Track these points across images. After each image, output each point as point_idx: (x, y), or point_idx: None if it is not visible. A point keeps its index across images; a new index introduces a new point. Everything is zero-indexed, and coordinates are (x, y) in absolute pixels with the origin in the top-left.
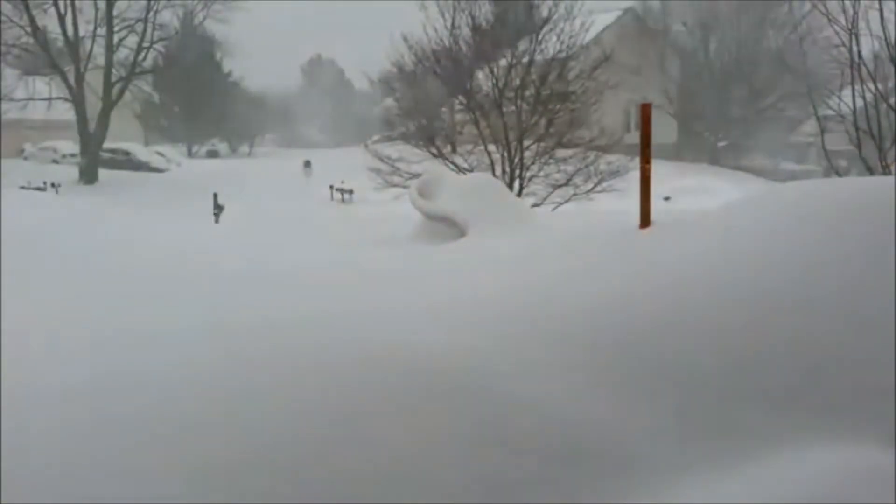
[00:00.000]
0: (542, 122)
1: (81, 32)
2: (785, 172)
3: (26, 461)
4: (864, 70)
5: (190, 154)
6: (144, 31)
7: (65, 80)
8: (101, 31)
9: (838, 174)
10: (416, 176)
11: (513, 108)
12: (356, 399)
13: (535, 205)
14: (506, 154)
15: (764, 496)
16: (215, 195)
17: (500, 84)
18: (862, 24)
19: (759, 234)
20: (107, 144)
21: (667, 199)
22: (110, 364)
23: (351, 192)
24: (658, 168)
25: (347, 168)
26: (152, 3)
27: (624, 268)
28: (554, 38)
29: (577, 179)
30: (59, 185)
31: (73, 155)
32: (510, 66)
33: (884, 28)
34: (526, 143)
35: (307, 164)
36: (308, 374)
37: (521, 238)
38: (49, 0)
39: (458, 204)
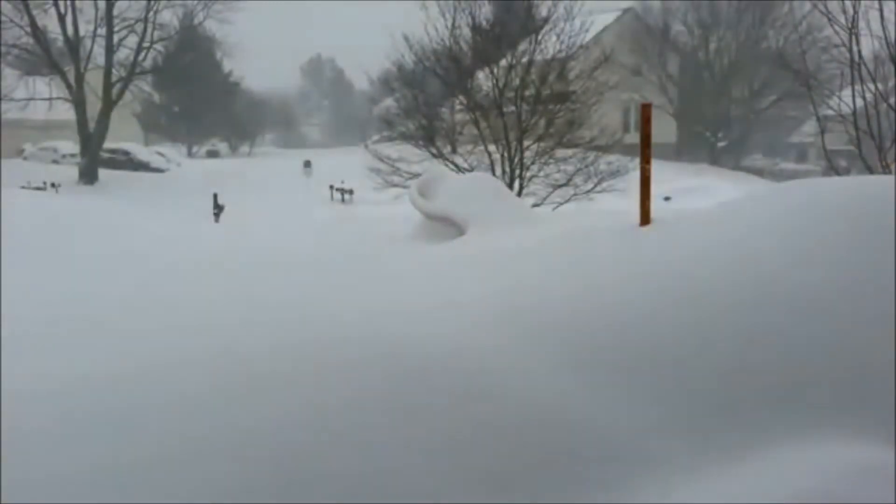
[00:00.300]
0: (542, 122)
1: (81, 32)
2: (785, 172)
3: (26, 459)
4: (864, 70)
5: (190, 154)
6: (144, 31)
7: (65, 80)
8: (101, 31)
9: (838, 174)
10: (416, 176)
11: (513, 108)
12: (351, 394)
13: (536, 205)
14: (506, 154)
15: (764, 495)
16: (215, 195)
17: (500, 84)
18: (862, 24)
19: (759, 231)
20: (107, 144)
21: (667, 199)
22: (109, 363)
23: (351, 192)
24: (658, 168)
25: (347, 168)
26: (152, 3)
27: (624, 263)
28: (554, 39)
29: (577, 179)
30: (59, 185)
31: (73, 155)
32: (510, 66)
33: (884, 28)
34: (526, 143)
35: (307, 164)
36: (306, 371)
37: (520, 235)
38: (49, 0)
39: (458, 203)
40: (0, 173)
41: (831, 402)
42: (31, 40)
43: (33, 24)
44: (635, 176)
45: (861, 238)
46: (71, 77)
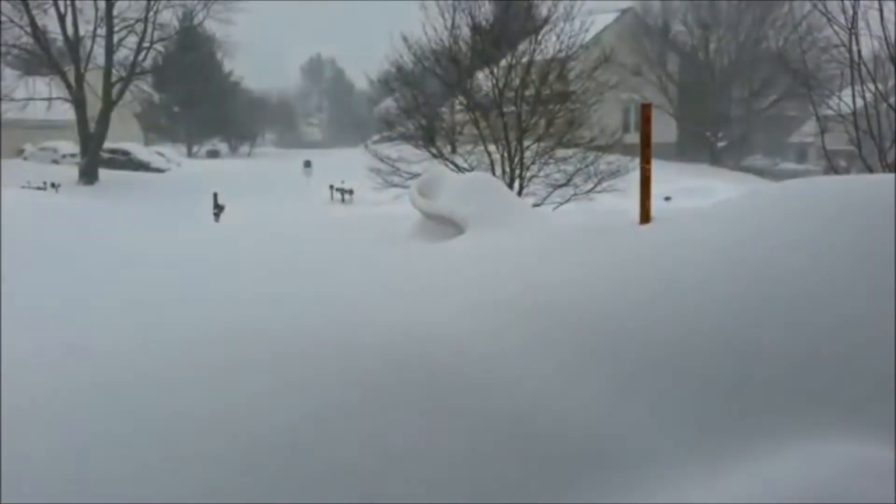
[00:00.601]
0: (542, 122)
1: (81, 32)
2: (785, 172)
3: (26, 456)
4: (864, 70)
5: (190, 154)
6: (144, 31)
7: (65, 80)
8: (101, 31)
9: (838, 174)
10: (415, 176)
11: (513, 108)
12: (352, 391)
13: (536, 204)
14: (506, 154)
15: (764, 493)
16: (215, 195)
17: (500, 84)
18: (862, 24)
19: (759, 230)
20: (107, 144)
21: (667, 199)
22: (110, 361)
23: (351, 192)
24: (658, 168)
25: (347, 168)
26: (152, 3)
27: (623, 260)
28: (554, 38)
29: (577, 179)
30: (59, 185)
31: (73, 155)
32: (510, 66)
33: (884, 28)
34: (526, 143)
35: (307, 164)
36: (307, 368)
37: (519, 233)
38: (49, 0)
39: (458, 203)
40: (0, 173)
41: (831, 400)
42: (31, 40)
43: (33, 24)
44: (635, 176)
45: (861, 237)
46: (71, 77)
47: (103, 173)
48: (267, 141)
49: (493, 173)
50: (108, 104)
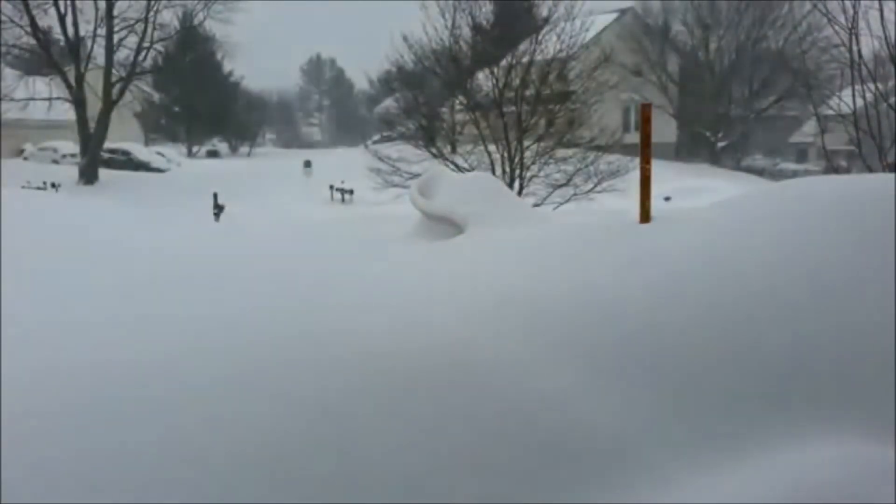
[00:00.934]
0: (542, 122)
1: (82, 32)
2: (785, 172)
3: (26, 453)
4: (864, 70)
5: (190, 154)
6: (145, 31)
7: (65, 80)
8: (102, 31)
9: (838, 174)
10: (416, 176)
11: (513, 108)
12: (351, 392)
13: (536, 204)
14: (506, 154)
15: (764, 493)
16: (215, 195)
17: (500, 84)
18: (862, 24)
19: (759, 229)
20: (107, 144)
21: (667, 199)
22: (109, 361)
23: (351, 192)
24: (658, 168)
25: (347, 168)
26: (152, 3)
27: (623, 258)
28: (554, 38)
29: (577, 179)
30: (59, 185)
31: (73, 155)
32: (510, 66)
33: (884, 28)
34: (526, 143)
35: (307, 164)
36: (306, 367)
37: (519, 232)
38: (49, 0)
39: (458, 202)
40: (0, 173)
41: (830, 399)
42: (31, 40)
43: (33, 24)
44: (635, 176)
45: (861, 237)
46: (71, 77)
47: (103, 173)
48: (267, 141)
49: (493, 173)
50: (109, 104)
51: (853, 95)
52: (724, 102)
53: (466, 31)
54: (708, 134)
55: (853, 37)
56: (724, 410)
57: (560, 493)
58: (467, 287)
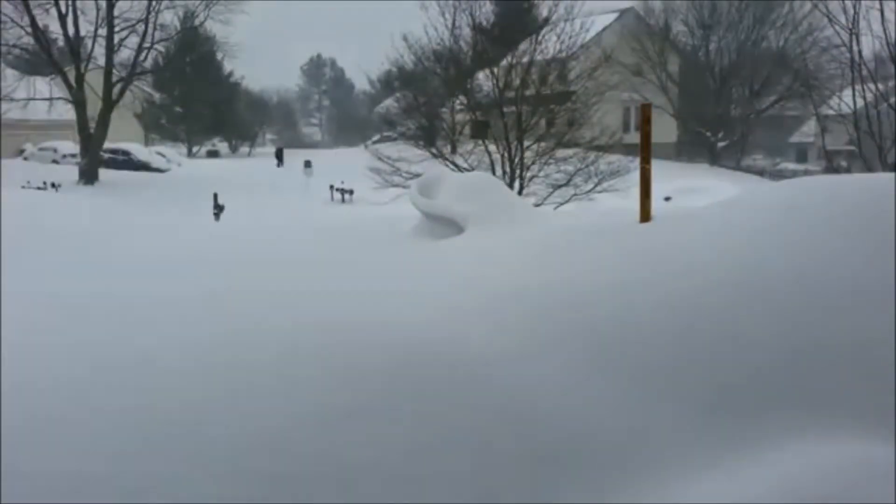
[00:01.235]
0: (542, 122)
1: (82, 32)
2: (785, 172)
3: (28, 451)
4: (864, 70)
5: (190, 154)
6: (145, 31)
7: (65, 80)
8: (102, 31)
9: (838, 174)
10: (416, 176)
11: (513, 108)
12: (353, 390)
13: (536, 205)
14: (506, 154)
15: (764, 493)
16: (216, 195)
17: (501, 84)
18: (862, 24)
19: (758, 229)
20: (107, 144)
21: (667, 199)
22: (111, 359)
23: (351, 192)
24: (658, 168)
25: (348, 168)
26: (153, 3)
27: (623, 259)
28: (554, 38)
29: (578, 179)
30: (60, 185)
31: (73, 155)
32: (510, 66)
33: (884, 28)
34: (526, 143)
35: (307, 164)
36: (305, 365)
37: (520, 231)
38: (50, 0)
39: (458, 202)
40: (0, 173)
41: (831, 398)
42: (31, 40)
43: (34, 24)
44: (635, 176)
45: (861, 236)
46: (71, 77)
47: (103, 173)
48: (267, 141)
49: (494, 173)
50: (109, 104)
51: (853, 95)
52: (724, 102)
53: (467, 31)
54: (708, 134)
55: (853, 37)
56: (722, 410)
57: (561, 492)
58: (467, 286)
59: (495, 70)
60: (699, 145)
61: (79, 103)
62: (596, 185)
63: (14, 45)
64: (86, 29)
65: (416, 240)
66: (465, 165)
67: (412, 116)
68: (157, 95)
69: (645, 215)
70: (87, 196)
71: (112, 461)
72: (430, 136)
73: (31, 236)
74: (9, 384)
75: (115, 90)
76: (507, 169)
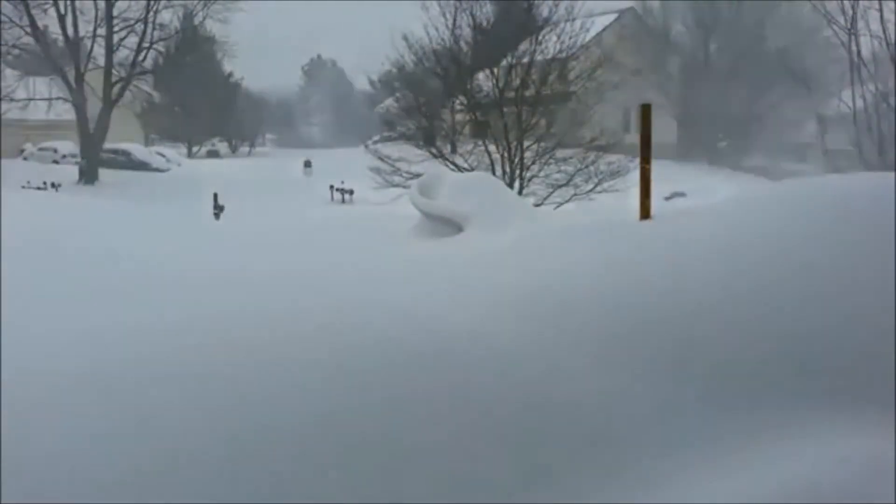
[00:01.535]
0: (542, 122)
1: (81, 32)
2: (785, 172)
3: (27, 454)
4: (863, 70)
5: (190, 154)
6: (144, 31)
7: (65, 80)
8: (101, 31)
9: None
10: (416, 176)
11: (513, 108)
12: (358, 388)
13: (536, 205)
14: (506, 154)
15: (764, 492)
16: (215, 195)
17: (501, 84)
18: (862, 24)
19: (758, 228)
20: (107, 144)
21: (667, 198)
22: (109, 359)
23: (351, 192)
24: (658, 168)
25: (347, 168)
26: (152, 3)
27: (623, 258)
28: (554, 39)
29: (578, 179)
30: (59, 185)
31: (73, 155)
32: (510, 67)
33: (884, 28)
34: (526, 143)
35: (307, 164)
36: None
37: (520, 230)
38: (49, 0)
39: (458, 202)
40: (0, 173)
41: (831, 394)
42: (31, 40)
43: (33, 24)
44: (635, 176)
45: (861, 236)
46: (71, 77)
47: (103, 173)
48: (267, 141)
49: (493, 173)
50: (108, 104)
51: (853, 96)
52: (724, 102)
53: (467, 32)
54: (708, 134)
55: (853, 37)
56: (722, 409)
57: (562, 491)
58: (466, 284)
59: (495, 70)
60: (699, 145)
61: (78, 103)
62: (596, 185)
63: (14, 46)
64: (85, 29)
65: (416, 240)
66: (465, 165)
67: (412, 116)
68: (156, 95)
69: (645, 215)
70: (88, 196)
71: (107, 463)
72: (430, 136)
73: (30, 237)
74: (8, 384)
75: (115, 90)
76: (507, 169)
